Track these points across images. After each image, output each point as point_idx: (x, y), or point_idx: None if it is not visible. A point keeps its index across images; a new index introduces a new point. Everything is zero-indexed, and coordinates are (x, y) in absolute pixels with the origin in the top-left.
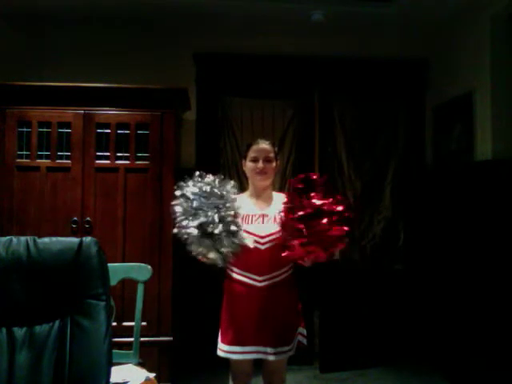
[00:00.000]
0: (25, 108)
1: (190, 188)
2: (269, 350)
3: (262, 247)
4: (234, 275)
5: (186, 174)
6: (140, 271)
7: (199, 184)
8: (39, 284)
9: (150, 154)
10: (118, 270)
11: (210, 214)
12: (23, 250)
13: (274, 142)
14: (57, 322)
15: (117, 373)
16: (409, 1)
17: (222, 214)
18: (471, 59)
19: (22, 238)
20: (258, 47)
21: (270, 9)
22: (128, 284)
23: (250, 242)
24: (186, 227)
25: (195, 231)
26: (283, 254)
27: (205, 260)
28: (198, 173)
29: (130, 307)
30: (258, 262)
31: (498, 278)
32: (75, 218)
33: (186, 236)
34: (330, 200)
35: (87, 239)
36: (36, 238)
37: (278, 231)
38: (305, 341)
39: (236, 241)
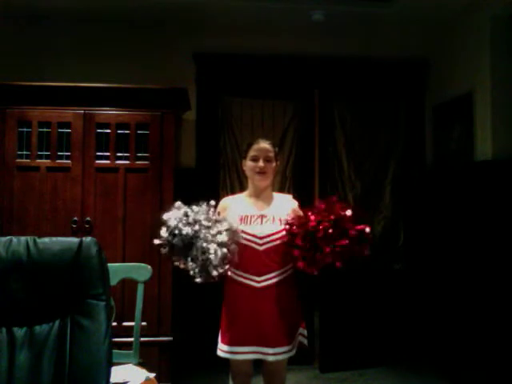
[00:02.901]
0: (25, 108)
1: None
2: (268, 350)
3: (261, 248)
4: (234, 276)
5: (185, 174)
6: (140, 271)
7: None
8: (39, 284)
9: (149, 154)
10: (118, 270)
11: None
12: (23, 250)
13: (274, 143)
14: (57, 322)
15: (117, 373)
16: (409, 1)
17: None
18: (471, 59)
19: (22, 238)
20: (258, 47)
21: (270, 9)
22: (128, 284)
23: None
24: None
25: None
26: (299, 264)
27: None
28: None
29: (130, 307)
30: (257, 263)
31: (497, 277)
32: (75, 218)
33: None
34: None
35: (87, 239)
36: (36, 238)
37: (277, 232)
38: (306, 341)
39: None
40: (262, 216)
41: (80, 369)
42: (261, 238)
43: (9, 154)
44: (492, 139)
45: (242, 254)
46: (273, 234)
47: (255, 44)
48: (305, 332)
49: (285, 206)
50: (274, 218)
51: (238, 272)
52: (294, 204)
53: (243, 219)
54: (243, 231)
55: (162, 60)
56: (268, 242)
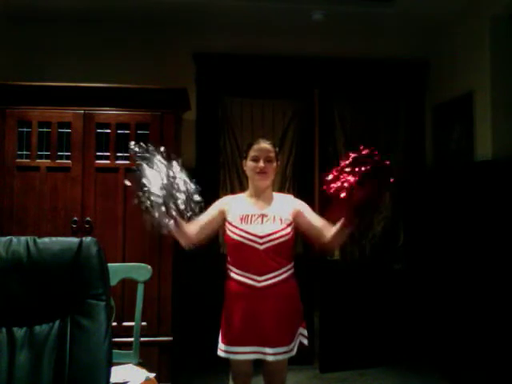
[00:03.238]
0: (25, 108)
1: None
2: (268, 350)
3: (261, 247)
4: (234, 275)
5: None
6: (140, 271)
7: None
8: (39, 284)
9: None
10: (118, 270)
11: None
12: (23, 250)
13: (274, 143)
14: (57, 322)
15: (117, 373)
16: (409, 1)
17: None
18: (471, 59)
19: (22, 238)
20: (258, 47)
21: (270, 9)
22: (128, 284)
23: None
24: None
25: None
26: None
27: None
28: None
29: (130, 307)
30: (258, 262)
31: (497, 277)
32: (75, 218)
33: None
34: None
35: (87, 239)
36: (36, 238)
37: (278, 231)
38: (306, 341)
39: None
40: (263, 215)
41: (80, 369)
42: (261, 237)
43: (9, 154)
44: (492, 139)
45: (243, 253)
46: (273, 233)
47: (255, 44)
48: (305, 332)
49: (285, 205)
50: (274, 218)
51: (238, 271)
52: (296, 203)
53: (244, 218)
54: (244, 230)
55: (162, 60)
56: (269, 242)
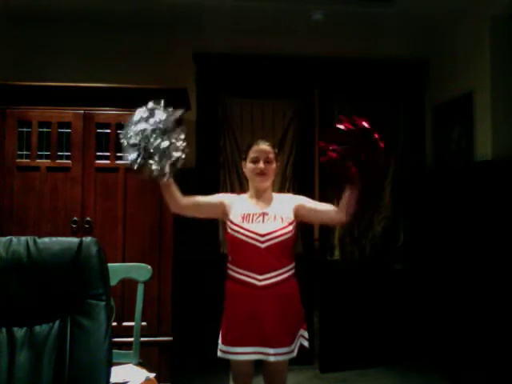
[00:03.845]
0: (25, 108)
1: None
2: (269, 350)
3: (262, 246)
4: (235, 274)
5: (185, 174)
6: (140, 271)
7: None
8: (39, 284)
9: None
10: (118, 270)
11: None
12: (23, 250)
13: (273, 144)
14: (57, 322)
15: (117, 373)
16: (409, 1)
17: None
18: (471, 59)
19: (22, 238)
20: (258, 47)
21: (270, 9)
22: (128, 284)
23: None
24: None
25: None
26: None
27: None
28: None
29: (130, 307)
30: (259, 261)
31: (497, 277)
32: (75, 218)
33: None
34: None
35: (87, 239)
36: (36, 237)
37: (278, 229)
38: (306, 343)
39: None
40: (264, 214)
41: (80, 369)
42: (262, 235)
43: (9, 154)
44: (492, 139)
45: (244, 252)
46: (274, 232)
47: (255, 44)
48: (306, 334)
49: (286, 204)
50: (275, 217)
51: (239, 270)
52: (296, 198)
53: (245, 217)
54: (245, 229)
55: (162, 60)
56: (270, 240)
